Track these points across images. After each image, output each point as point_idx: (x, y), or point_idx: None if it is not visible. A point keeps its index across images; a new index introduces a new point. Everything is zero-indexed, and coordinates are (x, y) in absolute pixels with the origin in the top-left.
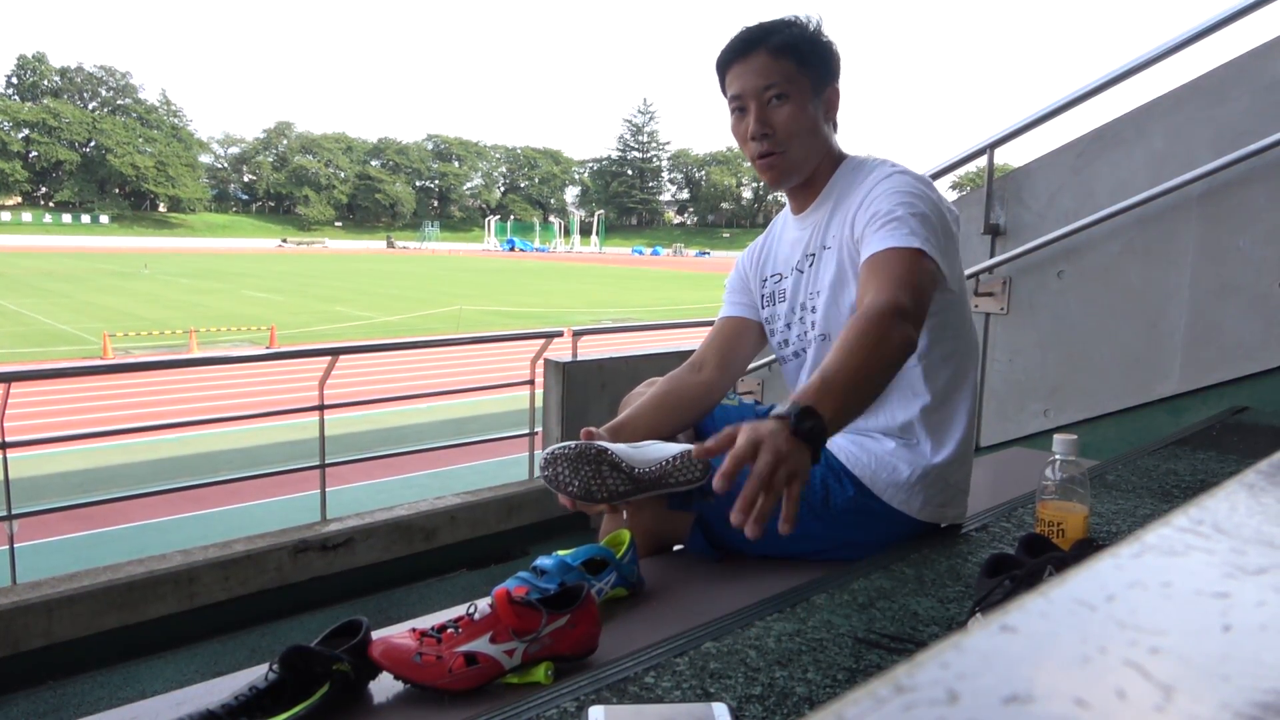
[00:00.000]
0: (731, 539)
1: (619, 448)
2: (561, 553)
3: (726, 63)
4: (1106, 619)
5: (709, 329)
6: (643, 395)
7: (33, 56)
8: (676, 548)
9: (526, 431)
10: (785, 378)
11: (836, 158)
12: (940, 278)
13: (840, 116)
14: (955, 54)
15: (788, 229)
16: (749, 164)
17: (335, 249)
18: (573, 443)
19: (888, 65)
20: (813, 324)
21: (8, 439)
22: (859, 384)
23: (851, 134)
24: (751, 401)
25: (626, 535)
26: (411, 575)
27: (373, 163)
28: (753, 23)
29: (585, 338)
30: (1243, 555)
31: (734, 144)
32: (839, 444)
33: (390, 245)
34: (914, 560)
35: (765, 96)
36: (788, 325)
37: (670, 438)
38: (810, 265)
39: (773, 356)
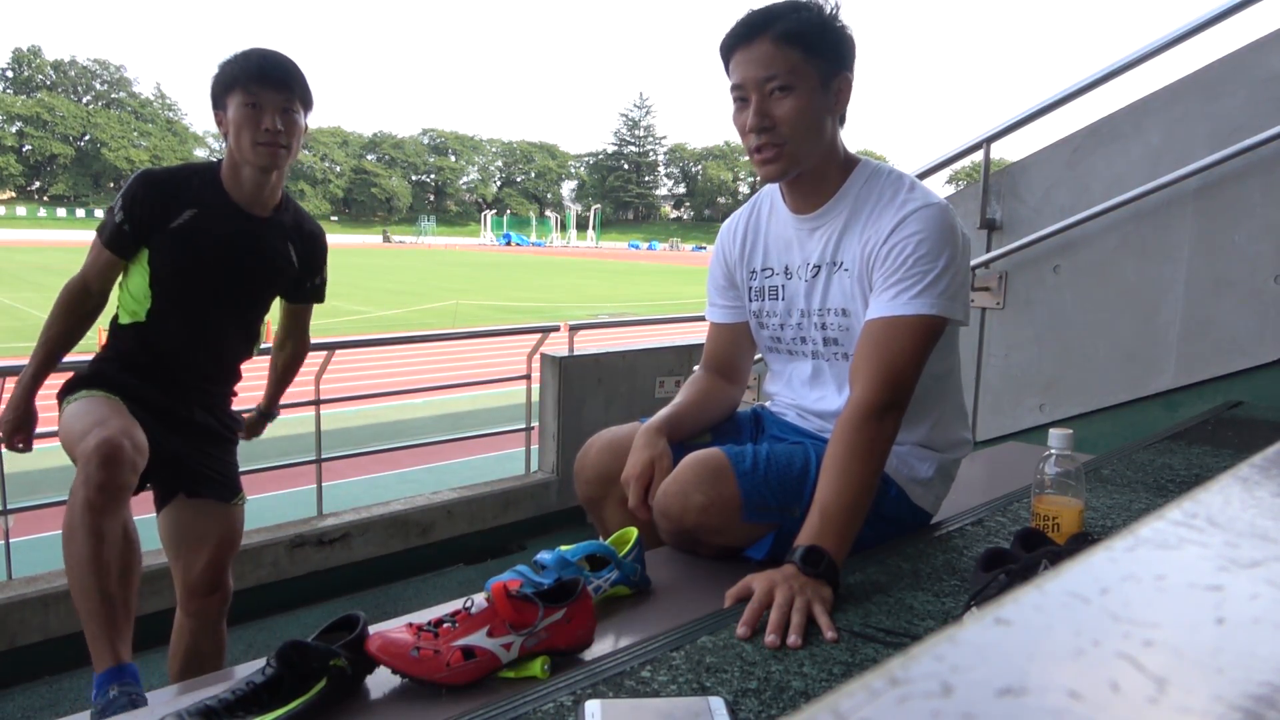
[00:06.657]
0: None
1: None
2: (563, 548)
3: (729, 49)
4: (1100, 612)
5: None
6: (693, 388)
7: (28, 50)
8: None
9: (523, 426)
10: (771, 364)
11: (845, 159)
12: (950, 324)
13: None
14: (951, 48)
15: (783, 225)
16: (746, 158)
17: (331, 243)
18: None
19: (883, 58)
20: (823, 340)
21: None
22: (856, 504)
23: (850, 131)
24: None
25: (632, 534)
26: (408, 570)
27: (368, 157)
28: (760, 3)
29: (581, 332)
30: (1236, 549)
31: (731, 138)
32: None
33: (386, 239)
34: (909, 554)
35: (767, 88)
36: (782, 325)
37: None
38: (816, 277)
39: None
